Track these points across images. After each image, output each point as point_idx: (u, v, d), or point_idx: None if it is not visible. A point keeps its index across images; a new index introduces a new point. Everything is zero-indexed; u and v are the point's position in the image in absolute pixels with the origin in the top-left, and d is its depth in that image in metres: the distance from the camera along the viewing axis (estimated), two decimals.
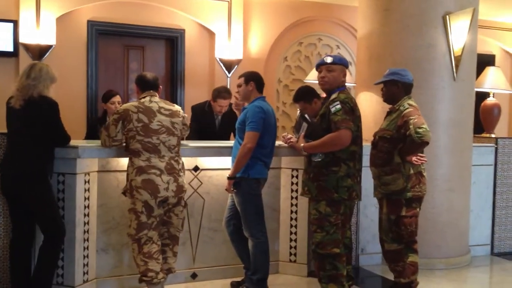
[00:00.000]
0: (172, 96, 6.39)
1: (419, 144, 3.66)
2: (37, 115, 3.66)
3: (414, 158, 3.79)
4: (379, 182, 3.91)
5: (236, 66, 6.60)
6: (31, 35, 5.61)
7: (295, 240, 4.71)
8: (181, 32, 6.48)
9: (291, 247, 4.73)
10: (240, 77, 4.24)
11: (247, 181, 4.06)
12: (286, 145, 4.47)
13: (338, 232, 3.58)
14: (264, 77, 6.62)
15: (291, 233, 4.72)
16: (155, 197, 3.75)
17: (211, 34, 6.60)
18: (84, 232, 4.01)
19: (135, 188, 3.77)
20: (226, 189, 4.11)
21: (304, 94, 4.36)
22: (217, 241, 4.56)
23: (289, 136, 4.58)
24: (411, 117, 3.70)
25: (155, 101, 3.92)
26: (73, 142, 3.92)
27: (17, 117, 3.68)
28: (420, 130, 3.63)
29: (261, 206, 4.16)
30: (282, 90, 7.06)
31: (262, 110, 4.09)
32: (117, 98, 5.12)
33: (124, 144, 3.90)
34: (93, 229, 4.10)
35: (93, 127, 5.18)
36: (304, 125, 4.01)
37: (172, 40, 6.50)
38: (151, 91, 3.97)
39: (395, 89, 3.89)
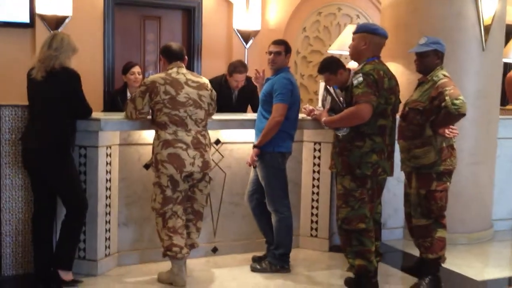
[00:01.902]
0: (189, 68, 6.12)
1: (456, 116, 3.55)
2: (59, 87, 3.59)
3: (446, 131, 3.68)
4: (408, 155, 3.81)
5: (253, 37, 6.44)
6: (47, 6, 5.48)
7: (317, 215, 4.66)
8: (198, 2, 6.32)
9: (312, 222, 4.67)
10: (277, 44, 4.11)
11: (272, 155, 3.99)
12: (308, 117, 4.40)
13: (363, 207, 3.50)
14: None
15: (312, 207, 4.66)
16: (180, 171, 3.69)
17: (229, 4, 6.44)
18: (106, 206, 3.97)
19: (160, 162, 3.70)
20: (249, 160, 4.03)
21: (329, 65, 4.23)
22: (238, 215, 4.51)
23: (311, 108, 4.49)
24: (447, 88, 3.58)
25: (183, 72, 3.83)
26: (93, 115, 3.84)
27: (39, 89, 3.61)
28: (457, 102, 3.51)
29: (285, 180, 4.09)
30: (301, 61, 6.92)
31: (290, 81, 4.00)
32: (136, 69, 5.02)
33: (150, 117, 3.82)
34: (114, 203, 4.06)
35: (113, 99, 5.10)
36: (329, 98, 3.90)
37: (189, 11, 6.35)
38: (178, 62, 3.87)
39: (435, 60, 3.76)
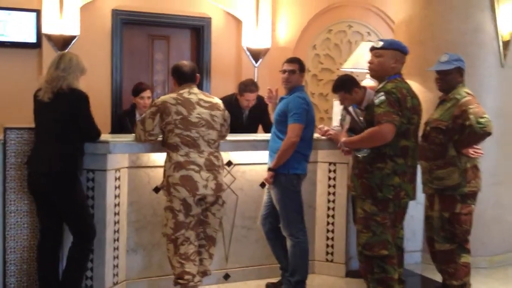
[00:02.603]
0: (198, 87, 6.12)
1: (481, 135, 3.40)
2: (66, 109, 3.46)
3: (470, 151, 3.53)
4: (430, 176, 3.65)
5: (263, 55, 6.33)
6: (54, 25, 5.40)
7: (332, 239, 4.48)
8: (207, 21, 6.23)
9: (327, 246, 4.50)
10: (291, 62, 3.99)
11: (287, 177, 3.84)
12: (323, 137, 4.26)
13: (386, 232, 3.33)
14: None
15: (327, 231, 4.49)
16: (193, 194, 3.54)
17: (238, 22, 6.34)
18: (115, 232, 3.81)
19: (172, 185, 3.55)
20: (264, 180, 3.90)
21: (344, 83, 4.11)
22: (250, 240, 4.35)
23: (326, 128, 4.35)
24: (470, 106, 3.44)
25: (194, 92, 3.71)
26: (102, 137, 3.69)
27: (46, 111, 3.48)
28: (482, 120, 3.36)
29: (301, 203, 3.94)
30: (311, 80, 6.79)
31: (305, 101, 3.87)
32: (147, 93, 4.90)
33: (160, 139, 3.68)
34: (123, 229, 3.91)
35: (121, 120, 4.97)
36: (348, 118, 3.75)
37: (198, 29, 6.26)
38: (189, 82, 3.75)
39: (457, 77, 3.62)
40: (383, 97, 3.28)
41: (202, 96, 3.72)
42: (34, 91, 3.61)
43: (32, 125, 3.65)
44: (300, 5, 6.50)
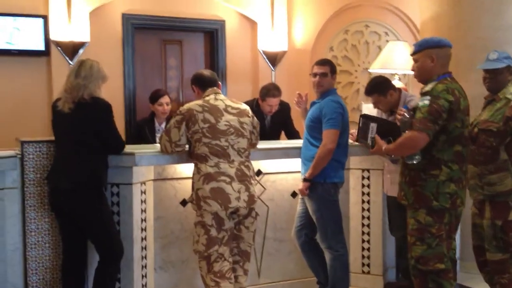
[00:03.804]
0: None
1: None
2: (89, 119, 3.22)
3: None
4: (480, 182, 3.42)
5: (281, 58, 6.10)
6: (62, 32, 5.15)
7: (368, 249, 4.24)
8: (221, 24, 6.00)
9: (363, 257, 4.25)
10: (322, 64, 3.77)
11: (324, 186, 3.61)
12: (356, 143, 4.02)
13: (441, 245, 3.09)
14: (310, 70, 6.25)
15: (363, 241, 4.25)
16: (225, 208, 3.29)
17: (252, 24, 6.11)
18: (142, 249, 3.56)
19: (202, 199, 3.30)
20: (299, 191, 3.67)
21: (378, 86, 3.90)
22: (283, 253, 4.11)
23: None
24: None
25: (221, 98, 3.46)
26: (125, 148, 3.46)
27: (66, 122, 3.24)
28: None
29: (339, 213, 3.71)
30: None
31: (340, 105, 3.65)
32: (165, 99, 4.65)
33: (187, 149, 3.44)
34: (150, 245, 3.66)
35: (139, 130, 4.72)
36: (373, 125, 3.50)
37: (211, 33, 6.02)
38: (214, 88, 3.51)
39: (507, 76, 3.40)
40: (427, 101, 3.05)
41: (229, 102, 3.49)
42: (53, 101, 3.37)
43: (51, 138, 3.40)
44: (316, 5, 6.28)
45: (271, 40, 6.01)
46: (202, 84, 3.54)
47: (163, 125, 4.68)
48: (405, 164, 3.20)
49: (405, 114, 3.16)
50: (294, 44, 6.25)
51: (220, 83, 3.61)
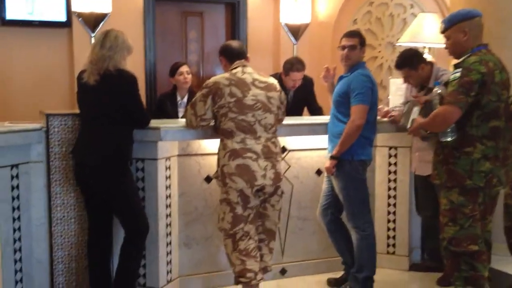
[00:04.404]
0: None
1: None
2: (114, 92, 3.15)
3: None
4: None
5: (303, 31, 5.95)
6: (84, 3, 5.04)
7: (394, 229, 4.18)
8: None
9: (389, 237, 4.20)
10: (351, 36, 3.65)
11: (352, 164, 3.52)
12: (384, 119, 3.92)
13: (475, 226, 3.01)
14: (333, 44, 6.12)
15: (388, 221, 4.19)
16: (251, 185, 3.23)
17: None
18: (167, 225, 3.53)
19: (228, 175, 3.24)
20: (326, 169, 3.58)
21: (409, 59, 3.78)
22: (307, 232, 4.06)
23: (387, 108, 4.02)
24: None
25: (248, 72, 3.36)
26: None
27: (92, 95, 3.17)
28: None
29: (367, 192, 3.63)
30: None
31: (369, 79, 3.54)
32: (184, 68, 4.58)
33: (212, 124, 3.37)
34: (175, 222, 3.63)
35: (161, 104, 4.66)
36: (416, 108, 3.40)
37: (233, 5, 5.88)
38: (242, 60, 3.41)
39: None
40: (458, 74, 2.97)
41: (257, 76, 3.39)
42: (78, 73, 3.30)
43: (76, 111, 3.35)
44: None
45: (293, 12, 5.85)
46: (230, 55, 3.44)
47: (185, 99, 4.61)
48: (439, 142, 3.11)
49: (437, 90, 3.06)
50: (317, 16, 6.09)
51: (248, 55, 3.50)
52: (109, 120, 3.17)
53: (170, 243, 3.57)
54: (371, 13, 6.29)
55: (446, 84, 3.13)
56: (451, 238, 3.05)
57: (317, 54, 5.92)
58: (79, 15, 5.06)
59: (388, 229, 4.18)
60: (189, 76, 4.60)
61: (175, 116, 4.52)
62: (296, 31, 5.92)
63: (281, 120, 3.54)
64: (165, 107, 4.56)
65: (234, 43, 3.54)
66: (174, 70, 4.59)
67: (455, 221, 3.03)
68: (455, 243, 3.04)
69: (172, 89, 4.66)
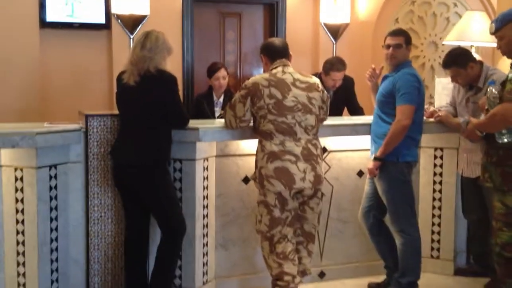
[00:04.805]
0: None
1: None
2: (155, 92, 3.12)
3: None
4: None
5: (343, 31, 5.84)
6: (123, 5, 5.06)
7: (438, 233, 4.03)
8: None
9: (433, 241, 4.04)
10: (396, 34, 3.55)
11: (397, 166, 3.41)
12: (430, 119, 3.78)
13: None
14: (373, 43, 5.98)
15: (433, 224, 4.04)
16: (289, 188, 3.14)
17: None
18: (204, 226, 3.47)
19: (266, 178, 3.16)
20: (368, 170, 3.47)
21: (457, 58, 3.62)
22: (347, 235, 3.94)
23: (433, 108, 3.88)
24: None
25: (289, 72, 3.27)
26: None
27: (132, 95, 3.15)
28: None
29: (412, 195, 3.51)
30: None
31: (416, 78, 3.42)
32: (221, 73, 4.52)
33: (251, 125, 3.29)
34: (212, 223, 3.57)
35: (198, 104, 4.61)
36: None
37: (271, 5, 5.81)
38: (283, 59, 3.31)
39: None
40: None
41: (298, 76, 3.28)
42: (118, 73, 3.28)
43: (115, 111, 3.33)
44: None
45: (333, 12, 5.74)
46: (271, 54, 3.35)
47: (221, 99, 4.56)
48: (492, 143, 2.96)
49: (493, 89, 2.91)
50: (357, 16, 5.96)
51: (291, 54, 3.40)
52: (149, 120, 3.14)
53: (207, 244, 3.51)
54: (413, 12, 6.12)
55: (503, 83, 2.98)
56: (505, 243, 2.90)
57: (357, 54, 5.79)
58: (118, 17, 5.09)
59: (433, 232, 4.02)
60: (225, 81, 4.56)
61: (212, 116, 4.48)
62: (336, 31, 5.80)
63: (323, 119, 3.43)
64: (202, 107, 4.52)
65: (277, 41, 3.44)
66: (211, 72, 4.55)
67: (510, 225, 2.88)
68: (509, 249, 2.89)
69: (208, 89, 4.62)
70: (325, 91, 3.42)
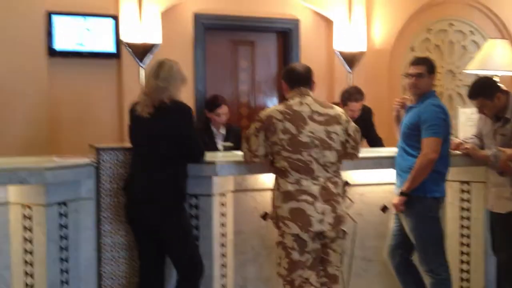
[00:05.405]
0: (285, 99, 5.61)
1: None
2: (170, 124, 2.96)
3: None
4: None
5: (358, 59, 5.71)
6: (133, 33, 4.95)
7: (468, 271, 3.80)
8: (295, 23, 5.67)
9: (462, 280, 3.81)
10: (418, 63, 3.40)
11: (424, 202, 3.22)
12: (456, 152, 3.60)
13: None
14: (389, 72, 5.85)
15: (461, 262, 3.81)
16: (306, 231, 2.93)
17: (328, 23, 5.75)
18: (222, 266, 3.27)
19: (281, 219, 2.97)
20: (394, 206, 3.28)
21: (484, 88, 3.46)
22: (371, 273, 3.75)
23: (459, 140, 3.70)
24: None
25: (307, 102, 3.04)
26: None
27: (146, 127, 2.99)
28: None
29: (441, 232, 3.34)
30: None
31: (442, 110, 3.26)
32: (223, 110, 4.33)
33: (270, 158, 3.10)
34: (230, 263, 3.36)
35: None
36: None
37: (285, 33, 5.71)
38: (302, 88, 3.10)
39: None
40: None
41: (317, 107, 3.04)
42: (131, 105, 3.13)
43: (128, 145, 3.16)
44: (397, 3, 5.86)
45: (348, 40, 5.63)
46: (291, 80, 3.12)
47: (221, 130, 4.39)
48: None
49: None
50: (372, 44, 5.84)
51: (314, 81, 3.19)
52: (164, 154, 2.98)
53: (226, 285, 3.31)
54: (429, 40, 6.01)
55: None
56: None
57: (373, 83, 5.67)
58: (128, 45, 4.97)
59: (461, 270, 3.80)
60: (226, 118, 4.39)
61: (215, 149, 4.29)
62: (351, 59, 5.69)
63: (351, 154, 3.14)
64: (203, 141, 4.33)
65: (299, 67, 3.22)
66: (212, 107, 4.37)
67: None
68: None
69: (205, 122, 4.41)
70: (352, 123, 3.16)
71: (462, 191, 3.80)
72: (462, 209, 3.80)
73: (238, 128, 4.62)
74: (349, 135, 3.10)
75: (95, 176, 3.14)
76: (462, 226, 3.80)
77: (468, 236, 3.79)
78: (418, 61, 3.46)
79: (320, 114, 3.03)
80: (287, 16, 5.67)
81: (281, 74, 3.31)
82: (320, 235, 3.00)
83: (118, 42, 5.03)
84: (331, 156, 3.02)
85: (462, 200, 3.80)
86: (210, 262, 3.17)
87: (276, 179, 3.05)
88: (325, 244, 3.06)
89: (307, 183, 2.96)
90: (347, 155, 3.13)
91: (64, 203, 3.00)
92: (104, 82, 5.08)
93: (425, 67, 3.40)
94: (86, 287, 3.13)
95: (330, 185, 3.01)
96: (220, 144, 4.33)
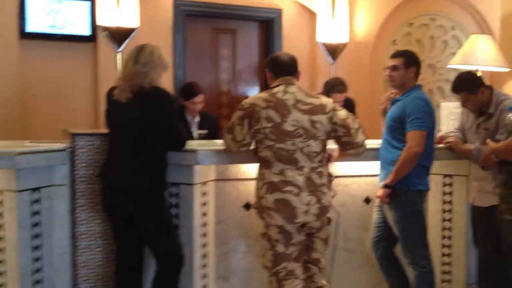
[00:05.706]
0: (267, 87, 5.51)
1: None
2: (149, 111, 2.84)
3: None
4: None
5: (341, 51, 5.65)
6: (110, 17, 4.78)
7: (449, 264, 3.78)
8: (278, 13, 5.59)
9: (443, 273, 3.80)
10: (395, 56, 3.36)
11: (408, 194, 3.19)
12: (439, 145, 3.57)
13: None
14: (371, 64, 5.81)
15: (443, 255, 3.79)
16: (291, 222, 2.87)
17: (311, 14, 5.69)
18: (203, 256, 3.19)
19: (265, 210, 2.89)
20: (378, 198, 3.25)
21: (467, 82, 3.43)
22: (354, 264, 3.70)
23: (441, 134, 3.67)
24: None
25: (291, 91, 2.95)
26: None
27: (123, 113, 2.87)
28: None
29: (424, 225, 3.30)
30: None
31: (426, 103, 3.23)
32: (199, 98, 4.22)
33: (253, 147, 3.01)
34: (211, 252, 3.28)
35: None
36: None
37: (267, 22, 5.62)
38: (287, 77, 3.02)
39: None
40: None
41: (301, 96, 2.96)
42: (108, 89, 2.99)
43: (104, 130, 3.03)
44: None
45: (331, 31, 5.57)
46: (275, 70, 3.05)
47: (196, 119, 4.29)
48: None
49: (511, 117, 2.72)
50: (355, 36, 5.79)
51: (299, 71, 3.12)
52: (142, 141, 2.86)
53: (206, 276, 3.23)
54: (411, 34, 5.98)
55: None
56: None
57: (355, 75, 5.62)
58: (104, 29, 4.80)
59: (443, 263, 3.78)
60: (201, 106, 4.28)
61: (190, 137, 4.17)
62: (334, 51, 5.62)
63: (350, 143, 3.00)
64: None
65: (284, 56, 3.14)
66: (188, 96, 4.24)
67: None
68: None
69: (179, 109, 4.23)
70: (340, 111, 3.03)
71: (445, 184, 3.78)
72: (444, 202, 3.78)
73: (215, 116, 4.54)
74: (334, 123, 3.00)
75: (69, 162, 3.02)
76: (444, 219, 3.78)
77: (450, 229, 3.77)
78: (396, 54, 3.43)
79: (304, 103, 2.96)
80: (270, 6, 5.59)
81: (264, 63, 3.22)
82: (304, 225, 2.94)
83: (94, 25, 4.86)
84: (315, 145, 2.94)
85: (444, 193, 3.78)
86: (190, 252, 3.08)
87: (260, 168, 2.96)
88: (310, 233, 3.01)
89: (291, 174, 2.88)
90: (346, 144, 3.02)
91: (37, 189, 2.88)
92: (79, 66, 4.91)
93: (402, 59, 3.34)
94: (60, 275, 3.02)
95: (314, 176, 2.94)
96: (195, 132, 4.23)
